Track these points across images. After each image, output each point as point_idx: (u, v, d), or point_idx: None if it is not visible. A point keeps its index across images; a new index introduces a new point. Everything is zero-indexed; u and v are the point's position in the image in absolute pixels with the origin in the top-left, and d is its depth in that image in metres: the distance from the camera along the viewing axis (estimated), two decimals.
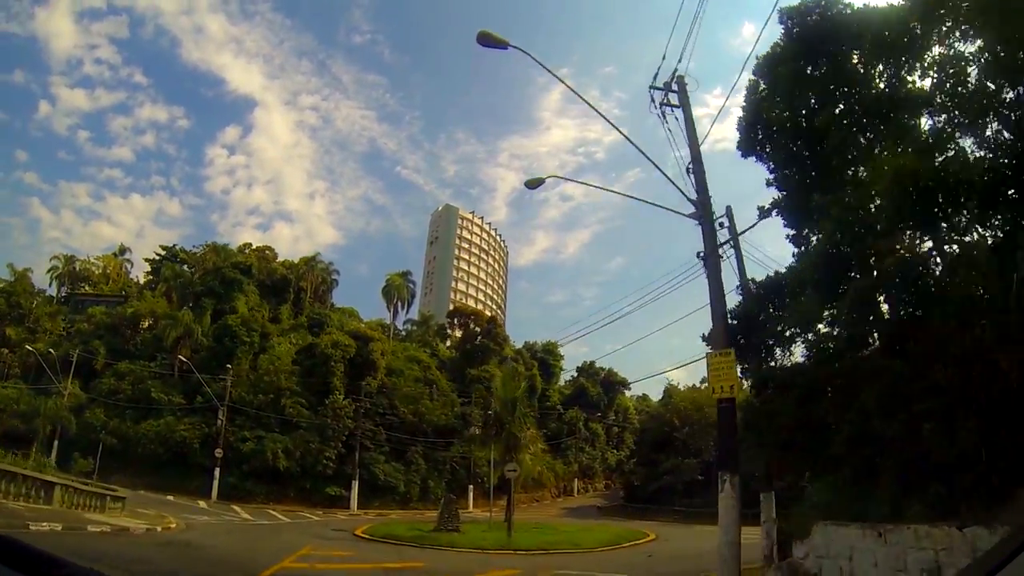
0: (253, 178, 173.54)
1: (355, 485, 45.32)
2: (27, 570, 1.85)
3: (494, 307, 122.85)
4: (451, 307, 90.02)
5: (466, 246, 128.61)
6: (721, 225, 20.98)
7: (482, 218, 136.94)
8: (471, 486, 51.24)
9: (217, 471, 42.16)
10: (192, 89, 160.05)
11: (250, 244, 70.27)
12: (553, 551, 20.53)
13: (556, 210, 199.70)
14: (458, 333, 72.31)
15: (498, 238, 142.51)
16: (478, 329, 65.04)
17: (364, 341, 50.66)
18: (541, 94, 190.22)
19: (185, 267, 64.84)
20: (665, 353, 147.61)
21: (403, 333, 75.93)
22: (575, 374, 77.64)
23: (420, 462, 49.95)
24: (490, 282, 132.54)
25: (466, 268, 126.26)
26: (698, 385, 54.50)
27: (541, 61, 12.10)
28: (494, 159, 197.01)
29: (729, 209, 16.34)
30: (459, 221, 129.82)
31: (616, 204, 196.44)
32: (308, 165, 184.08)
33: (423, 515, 38.11)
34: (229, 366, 46.54)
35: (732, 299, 13.93)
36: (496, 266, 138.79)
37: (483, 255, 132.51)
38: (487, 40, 11.28)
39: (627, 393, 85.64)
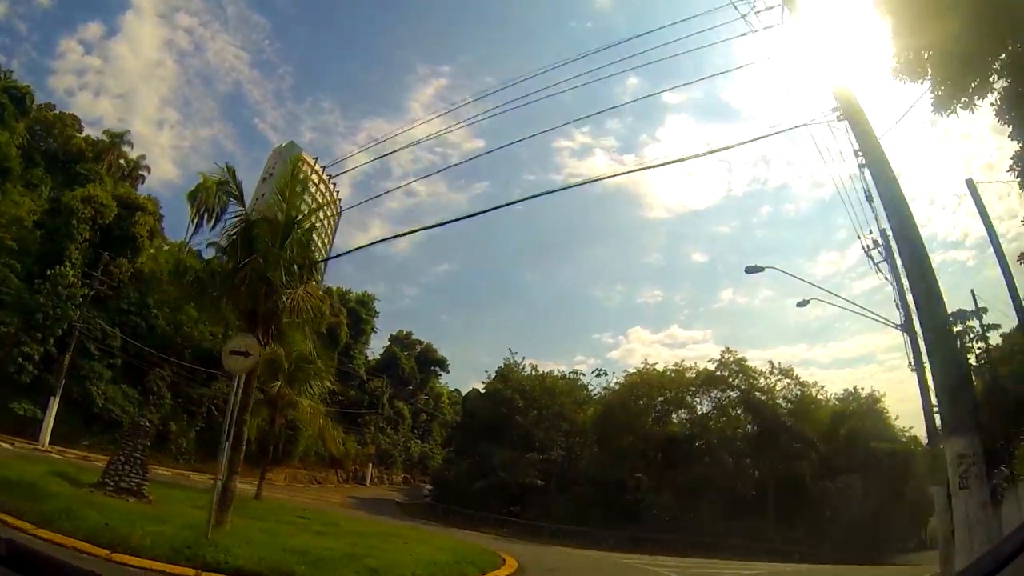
0: (104, 87, 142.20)
1: (54, 403, 30.43)
2: (29, 573, 1.83)
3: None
4: None
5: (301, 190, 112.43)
6: None
7: (324, 167, 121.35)
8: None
9: None
10: None
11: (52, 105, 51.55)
12: None
13: (398, 203, 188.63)
14: None
15: (337, 197, 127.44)
16: None
17: (131, 209, 35.84)
18: (417, 84, 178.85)
19: None
20: (476, 368, 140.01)
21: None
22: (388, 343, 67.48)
23: (165, 394, 35.91)
24: (317, 240, 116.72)
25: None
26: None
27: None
28: (352, 136, 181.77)
29: None
30: (300, 164, 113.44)
31: (459, 211, 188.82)
32: (166, 90, 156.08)
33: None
34: None
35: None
36: (327, 225, 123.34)
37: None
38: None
39: (441, 380, 76.85)
